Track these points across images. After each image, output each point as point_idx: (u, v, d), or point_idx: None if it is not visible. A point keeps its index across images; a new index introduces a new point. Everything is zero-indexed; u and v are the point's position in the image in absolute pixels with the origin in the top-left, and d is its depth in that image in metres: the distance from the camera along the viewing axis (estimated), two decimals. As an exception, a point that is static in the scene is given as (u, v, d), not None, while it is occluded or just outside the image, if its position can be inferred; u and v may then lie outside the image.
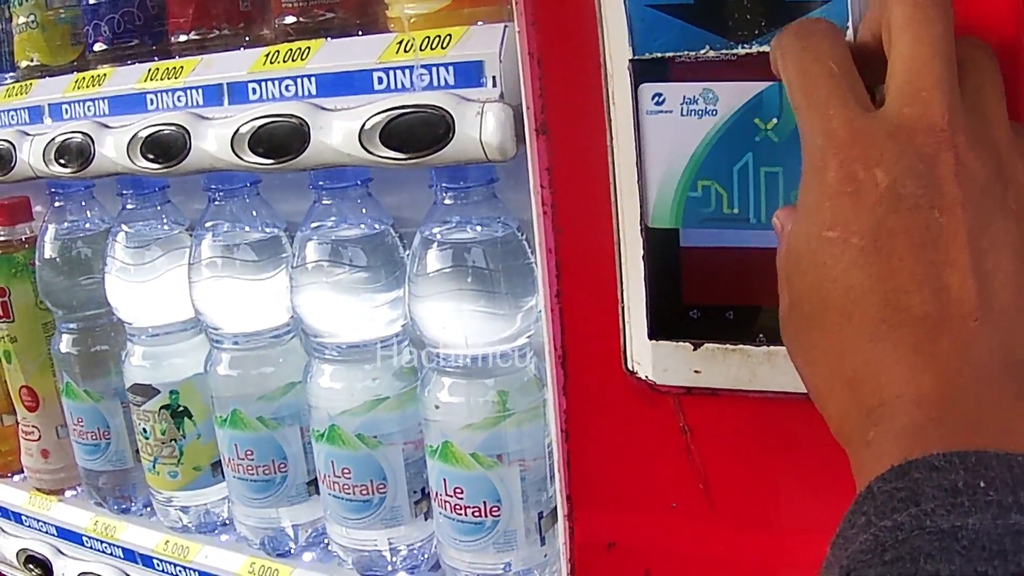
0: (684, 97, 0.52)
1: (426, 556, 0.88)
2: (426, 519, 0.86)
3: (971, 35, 0.42)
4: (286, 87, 0.73)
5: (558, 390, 0.62)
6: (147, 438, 1.00)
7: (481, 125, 0.63)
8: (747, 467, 0.59)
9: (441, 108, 0.65)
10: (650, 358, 0.57)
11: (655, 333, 0.57)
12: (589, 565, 0.65)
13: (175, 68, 0.81)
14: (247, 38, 0.83)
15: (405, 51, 0.68)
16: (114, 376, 1.04)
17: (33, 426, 1.14)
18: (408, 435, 0.84)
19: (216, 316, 0.90)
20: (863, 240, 0.38)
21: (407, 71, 0.67)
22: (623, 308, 0.58)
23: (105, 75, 0.87)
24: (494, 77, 0.64)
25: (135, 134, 0.82)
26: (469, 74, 0.65)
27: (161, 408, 0.98)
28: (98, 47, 0.89)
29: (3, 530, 1.20)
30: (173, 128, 0.79)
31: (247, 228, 0.89)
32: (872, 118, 0.39)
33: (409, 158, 0.66)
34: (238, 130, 0.75)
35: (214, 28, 0.83)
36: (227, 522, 1.01)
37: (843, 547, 0.35)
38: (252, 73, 0.75)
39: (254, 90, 0.75)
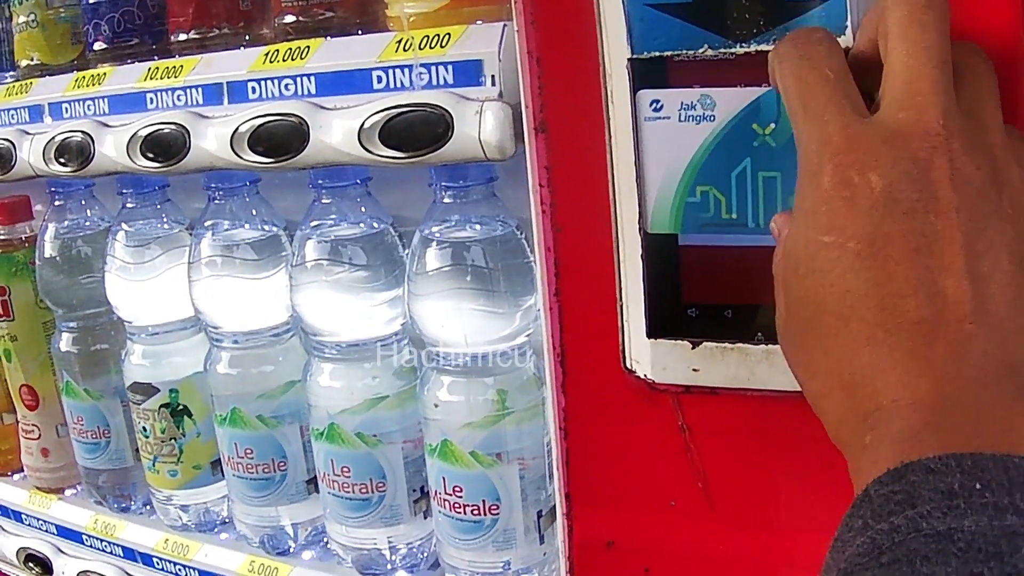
0: (682, 103, 0.52)
1: (425, 555, 0.89)
2: (425, 518, 0.86)
3: (968, 41, 0.42)
4: (286, 86, 0.73)
5: (557, 389, 0.62)
6: (147, 437, 1.00)
7: (480, 124, 0.63)
8: (746, 466, 0.59)
9: (440, 107, 0.65)
10: (649, 357, 0.57)
11: (654, 332, 0.57)
12: (588, 564, 0.65)
13: (175, 67, 0.81)
14: (247, 37, 0.83)
15: (404, 50, 0.68)
16: (114, 375, 1.04)
17: (33, 425, 1.14)
18: (407, 434, 0.84)
19: (216, 315, 0.90)
20: (859, 244, 0.38)
21: (406, 70, 0.67)
22: (622, 307, 0.58)
23: (105, 74, 0.87)
24: (493, 76, 0.64)
25: (135, 133, 0.82)
26: (468, 73, 0.65)
27: (161, 407, 0.98)
28: (98, 46, 0.90)
29: (3, 529, 1.20)
30: (173, 127, 0.79)
31: (247, 227, 0.89)
32: (867, 123, 0.39)
33: (408, 157, 0.66)
34: (238, 129, 0.75)
35: (214, 27, 0.84)
36: (227, 520, 1.01)
37: (841, 550, 0.35)
38: (252, 72, 0.75)
39: (254, 89, 0.75)
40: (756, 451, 0.58)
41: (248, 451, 0.91)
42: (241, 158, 0.75)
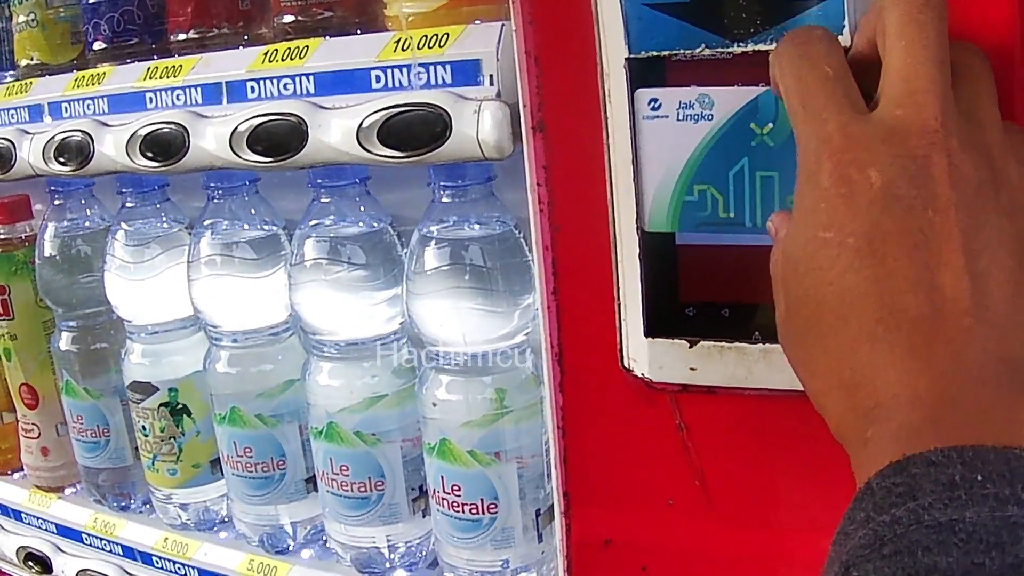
0: (680, 102, 0.52)
1: (424, 553, 0.89)
2: (424, 516, 0.86)
3: (966, 40, 0.43)
4: (284, 85, 0.74)
5: (555, 387, 0.62)
6: (146, 436, 1.00)
7: (478, 123, 0.63)
8: (743, 464, 0.59)
9: (438, 106, 0.65)
10: (646, 355, 0.57)
11: (651, 331, 0.57)
12: (586, 562, 0.65)
13: (174, 67, 0.81)
14: (246, 37, 0.83)
15: (403, 50, 0.68)
16: (113, 374, 1.04)
17: (33, 424, 1.14)
18: (406, 432, 0.84)
19: (215, 314, 0.91)
20: (858, 241, 0.38)
21: (405, 70, 0.68)
22: (619, 306, 0.58)
23: (104, 74, 0.87)
24: (491, 75, 0.64)
25: (134, 132, 0.82)
26: (466, 72, 0.65)
27: (160, 406, 0.98)
28: (98, 46, 0.90)
29: (3, 527, 1.20)
30: (172, 126, 0.79)
31: (246, 226, 0.89)
32: (866, 121, 0.40)
33: (407, 156, 0.67)
34: (237, 128, 0.75)
35: (213, 27, 0.84)
36: (226, 519, 1.01)
37: (843, 543, 0.35)
38: (251, 72, 0.76)
39: (253, 88, 0.75)
40: (753, 450, 0.59)
41: (247, 450, 0.91)
42: (240, 157, 0.75)
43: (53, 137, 0.89)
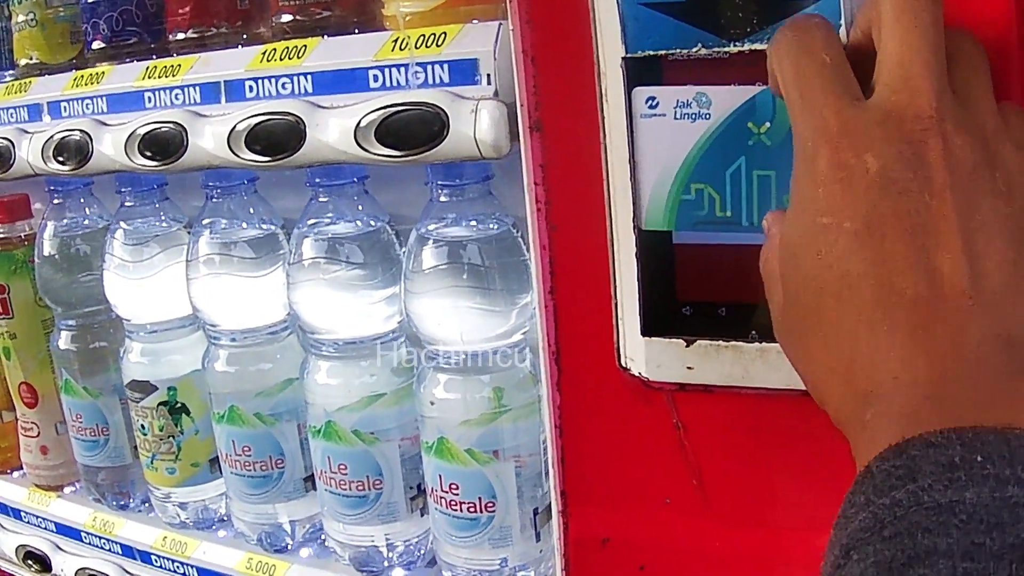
0: (677, 101, 0.52)
1: (422, 552, 0.89)
2: (422, 515, 0.87)
3: (960, 27, 0.43)
4: (283, 85, 0.74)
5: (552, 386, 0.62)
6: (145, 434, 1.00)
7: (476, 122, 0.63)
8: (740, 463, 0.59)
9: (436, 106, 0.65)
10: (643, 354, 0.58)
11: (648, 330, 0.57)
12: (583, 561, 0.65)
13: (173, 66, 0.81)
14: (244, 36, 0.83)
15: (400, 49, 0.68)
16: (113, 373, 1.04)
17: (32, 422, 1.14)
18: (404, 431, 0.84)
19: (214, 313, 0.91)
20: (856, 225, 0.39)
21: (402, 69, 0.68)
22: (616, 304, 0.58)
23: (103, 73, 0.88)
24: (489, 75, 0.64)
25: (133, 132, 0.82)
26: (464, 72, 0.65)
27: (159, 404, 0.98)
28: (97, 45, 0.90)
29: (2, 526, 1.20)
30: (171, 126, 0.79)
31: (244, 225, 0.90)
32: (862, 107, 0.40)
33: (404, 155, 0.67)
34: (235, 127, 0.75)
35: (212, 26, 0.84)
36: (225, 518, 1.02)
37: (843, 527, 0.35)
38: (249, 71, 0.76)
39: (251, 88, 0.76)
40: (751, 448, 0.59)
41: (246, 449, 0.91)
42: (238, 157, 0.75)
43: (52, 136, 0.89)
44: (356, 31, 0.74)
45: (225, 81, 0.77)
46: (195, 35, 0.84)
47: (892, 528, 0.33)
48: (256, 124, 0.74)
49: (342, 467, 0.84)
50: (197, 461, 1.00)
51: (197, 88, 0.79)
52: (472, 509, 0.78)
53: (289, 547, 0.95)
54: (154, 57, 0.86)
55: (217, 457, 0.97)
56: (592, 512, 0.64)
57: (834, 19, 0.47)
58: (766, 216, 0.47)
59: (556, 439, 0.63)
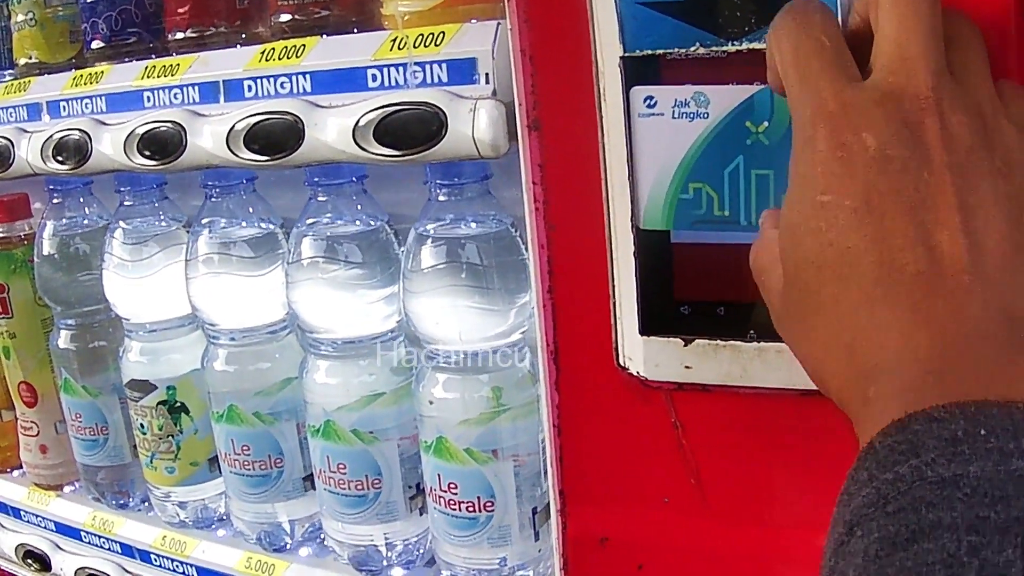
0: (676, 100, 0.52)
1: (421, 551, 0.89)
2: (421, 514, 0.87)
3: (957, 9, 0.43)
4: (281, 84, 0.74)
5: (550, 386, 0.62)
6: (145, 434, 1.00)
7: (474, 122, 0.63)
8: (738, 462, 0.59)
9: (434, 105, 0.65)
10: (641, 354, 0.58)
11: (646, 329, 0.57)
12: (582, 560, 0.65)
13: (172, 66, 0.81)
14: (243, 35, 0.83)
15: (399, 48, 0.68)
16: (112, 372, 1.04)
17: (32, 422, 1.14)
18: (403, 430, 0.84)
19: (213, 312, 0.91)
20: (856, 202, 0.39)
21: (401, 68, 0.68)
22: (615, 304, 0.58)
23: (103, 72, 0.88)
24: (487, 74, 0.64)
25: (132, 131, 0.82)
26: (462, 71, 0.65)
27: (158, 404, 0.98)
28: (96, 44, 0.90)
29: (2, 525, 1.20)
30: (170, 125, 0.79)
31: (243, 224, 0.90)
32: (860, 88, 0.40)
33: (403, 155, 0.67)
34: (234, 127, 0.75)
35: (211, 25, 0.84)
36: (224, 517, 1.02)
37: (847, 503, 0.35)
38: (248, 70, 0.76)
39: (250, 87, 0.76)
40: (749, 447, 0.59)
41: (245, 448, 0.91)
42: (237, 156, 0.75)
43: (51, 136, 0.89)
44: (355, 30, 0.74)
45: (224, 80, 0.78)
46: (194, 34, 0.84)
47: (896, 503, 0.33)
48: (255, 123, 0.74)
49: (341, 466, 0.84)
50: (196, 460, 1.00)
51: (196, 87, 0.79)
52: (471, 508, 0.78)
53: (288, 546, 0.95)
54: (153, 56, 0.86)
55: (216, 456, 0.97)
56: (591, 511, 0.64)
57: (832, 4, 0.47)
58: (763, 214, 0.47)
59: (555, 438, 0.63)
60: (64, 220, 1.05)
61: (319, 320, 0.84)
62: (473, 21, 0.66)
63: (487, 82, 0.64)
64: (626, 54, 0.53)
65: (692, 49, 0.51)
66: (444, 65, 0.66)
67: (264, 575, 0.93)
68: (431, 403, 0.78)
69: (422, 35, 0.67)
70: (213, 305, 0.90)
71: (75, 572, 1.10)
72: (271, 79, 0.74)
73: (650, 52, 0.52)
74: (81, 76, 0.89)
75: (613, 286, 0.58)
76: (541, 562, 0.81)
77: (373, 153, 0.68)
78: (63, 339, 1.07)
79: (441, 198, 0.75)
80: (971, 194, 0.38)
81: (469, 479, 0.78)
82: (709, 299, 0.56)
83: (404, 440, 0.84)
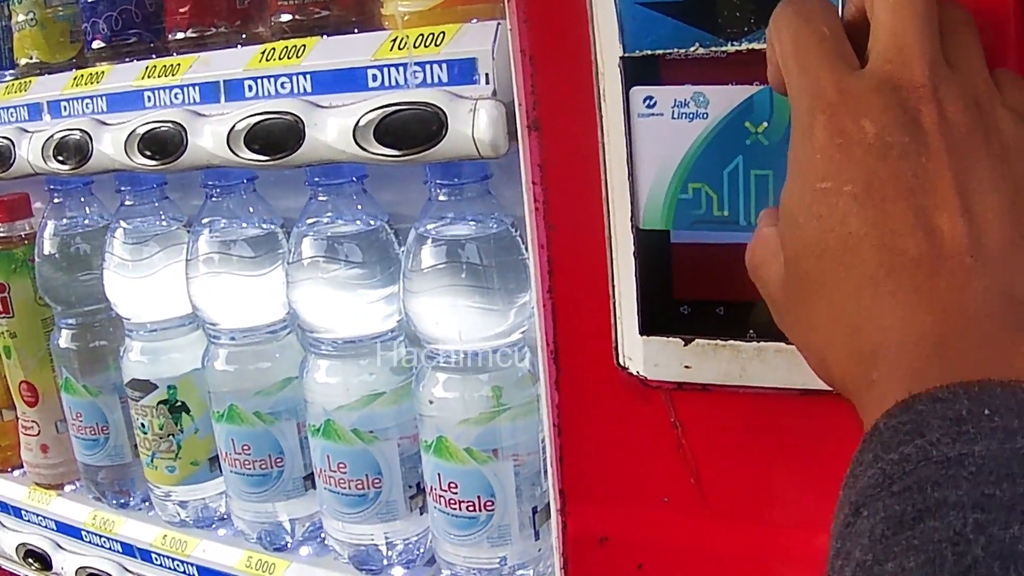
0: (675, 100, 0.52)
1: (421, 551, 0.89)
2: (421, 514, 0.87)
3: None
4: (282, 84, 0.74)
5: (550, 385, 0.62)
6: (145, 433, 1.00)
7: (474, 122, 0.64)
8: (738, 461, 0.59)
9: (434, 105, 0.65)
10: (641, 353, 0.58)
11: (646, 329, 0.57)
12: (582, 559, 0.65)
13: (172, 65, 0.81)
14: (244, 35, 0.84)
15: (399, 48, 0.68)
16: (113, 371, 1.05)
17: (32, 421, 1.14)
18: (403, 430, 0.84)
19: (213, 312, 0.91)
20: (856, 188, 0.39)
21: (401, 68, 0.68)
22: (614, 304, 0.58)
23: (103, 72, 0.88)
24: (487, 74, 0.64)
25: (133, 131, 0.82)
26: (462, 71, 0.65)
27: (159, 403, 0.98)
28: (96, 44, 0.90)
29: (3, 524, 1.20)
30: (170, 125, 0.79)
31: (244, 224, 0.90)
32: (858, 76, 0.40)
33: (403, 155, 0.67)
34: (234, 127, 0.75)
35: (211, 25, 0.84)
36: (224, 516, 1.02)
37: (852, 485, 0.36)
38: (248, 70, 0.76)
39: (250, 87, 0.76)
40: (748, 447, 0.59)
41: (245, 447, 0.91)
42: (237, 156, 0.75)
43: (52, 136, 0.89)
44: (355, 30, 0.74)
45: (224, 80, 0.78)
46: (194, 34, 0.84)
47: (901, 483, 0.33)
48: (255, 123, 0.74)
49: (341, 466, 0.85)
50: (197, 459, 1.00)
51: (196, 87, 0.80)
52: (471, 508, 0.78)
53: (289, 545, 0.95)
54: (154, 56, 0.86)
55: (217, 456, 0.97)
56: (590, 511, 0.64)
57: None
58: (761, 213, 0.47)
59: (555, 438, 0.63)
60: (65, 220, 1.05)
61: (319, 320, 0.84)
62: (473, 21, 0.66)
63: (487, 82, 0.64)
64: (626, 54, 0.53)
65: (692, 49, 0.51)
66: (444, 65, 0.66)
67: (265, 574, 0.93)
68: (431, 403, 0.78)
69: (422, 35, 0.67)
70: (214, 305, 0.90)
71: (76, 571, 1.10)
72: (271, 79, 0.74)
73: (650, 52, 0.52)
74: (82, 76, 0.89)
75: (613, 286, 0.58)
76: (541, 561, 0.82)
77: (373, 153, 0.68)
78: (64, 339, 1.07)
79: (441, 198, 0.75)
80: (969, 178, 0.38)
81: (469, 478, 0.78)
82: (709, 299, 0.56)
83: (404, 439, 0.84)
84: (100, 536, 1.08)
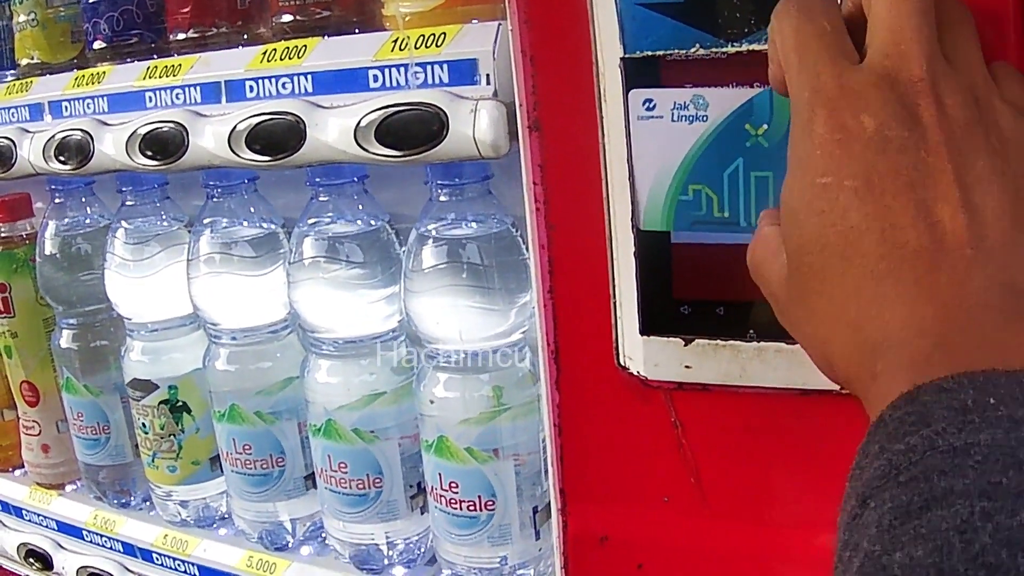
0: (675, 103, 0.53)
1: (422, 550, 0.89)
2: (422, 513, 0.87)
3: None
4: (283, 85, 0.74)
5: (551, 385, 0.62)
6: (146, 433, 1.00)
7: (475, 122, 0.64)
8: (738, 461, 0.59)
9: (435, 106, 0.65)
10: (641, 353, 0.58)
11: (646, 329, 0.57)
12: (582, 559, 0.65)
13: (173, 66, 0.82)
14: (245, 36, 0.84)
15: (400, 49, 0.68)
16: (114, 371, 1.05)
17: (34, 421, 1.15)
18: (404, 430, 0.84)
19: (214, 311, 0.91)
20: (856, 182, 0.39)
21: (402, 69, 0.68)
22: (615, 304, 0.58)
23: (104, 73, 0.88)
24: (488, 75, 0.64)
25: (134, 131, 0.82)
26: (463, 72, 0.65)
27: (160, 403, 0.99)
28: (98, 45, 0.90)
29: (4, 524, 1.21)
30: (171, 125, 0.79)
31: (245, 224, 0.90)
32: (857, 71, 0.41)
33: (404, 155, 0.67)
34: (235, 127, 0.75)
35: (212, 26, 0.84)
36: (225, 516, 1.02)
37: (858, 477, 0.36)
38: (249, 71, 0.76)
39: (251, 88, 0.76)
40: (748, 447, 0.59)
41: (246, 447, 0.91)
42: (239, 156, 0.75)
43: (53, 136, 0.89)
44: (356, 31, 0.74)
45: (225, 81, 0.78)
46: (196, 35, 0.84)
47: (907, 473, 0.33)
48: (256, 124, 0.74)
49: (342, 465, 0.85)
50: (198, 459, 1.00)
51: (198, 88, 0.80)
52: (472, 507, 0.79)
53: (290, 545, 0.95)
54: (155, 57, 0.86)
55: (218, 455, 0.97)
56: (591, 510, 0.64)
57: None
58: (762, 214, 0.47)
59: (555, 438, 0.63)
60: (66, 220, 1.05)
61: (320, 320, 0.84)
62: (474, 22, 0.67)
63: (488, 83, 0.65)
64: (626, 55, 0.53)
65: (692, 50, 0.51)
66: (445, 66, 0.66)
67: (265, 574, 0.93)
68: (432, 402, 0.78)
69: (423, 36, 0.67)
70: (215, 305, 0.90)
71: (77, 571, 1.10)
72: (273, 79, 0.74)
73: (650, 53, 0.52)
74: (83, 76, 0.90)
75: (613, 286, 0.58)
76: (541, 561, 0.82)
77: (374, 153, 0.68)
78: (65, 338, 1.07)
79: (442, 198, 0.76)
80: (969, 171, 0.39)
81: (470, 478, 0.78)
82: (709, 299, 0.56)
83: (405, 439, 0.85)
84: (101, 536, 1.08)
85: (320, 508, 0.91)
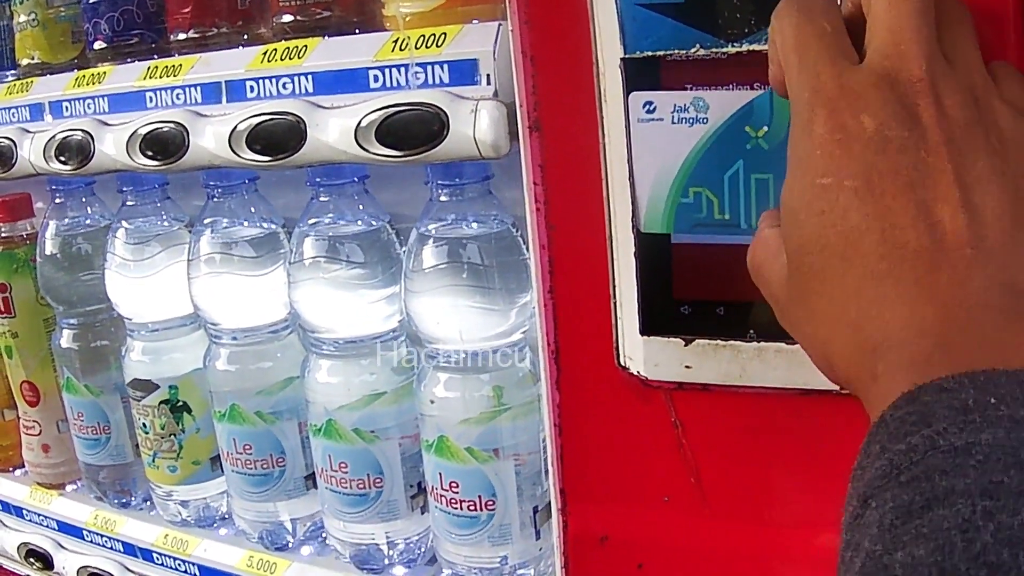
0: (675, 105, 0.53)
1: (423, 550, 0.89)
2: (422, 513, 0.87)
3: None
4: (283, 85, 0.74)
5: (551, 385, 0.62)
6: (147, 433, 1.01)
7: (475, 123, 0.64)
8: (738, 461, 0.59)
9: (436, 106, 0.65)
10: (642, 353, 0.58)
11: (647, 329, 0.57)
12: (582, 559, 0.66)
13: (174, 66, 0.82)
14: (245, 36, 0.84)
15: (400, 49, 0.68)
16: (114, 371, 1.05)
17: (34, 421, 1.15)
18: (404, 430, 0.84)
19: (215, 311, 0.91)
20: (856, 182, 0.39)
21: (402, 69, 0.68)
22: (615, 304, 0.58)
23: (105, 73, 0.88)
24: (488, 75, 0.65)
25: (134, 131, 0.82)
26: (463, 72, 0.65)
27: (160, 403, 0.99)
28: (98, 45, 0.90)
29: (4, 524, 1.21)
30: (172, 125, 0.79)
31: (245, 224, 0.90)
32: (856, 71, 0.41)
33: (404, 155, 0.67)
34: (236, 127, 0.75)
35: (213, 26, 0.84)
36: (226, 516, 1.02)
37: (860, 477, 0.36)
38: (250, 71, 0.76)
39: (252, 88, 0.76)
40: (748, 447, 0.59)
41: (247, 447, 0.92)
42: (239, 156, 0.75)
43: (54, 136, 0.89)
44: (356, 31, 0.74)
45: (226, 81, 0.78)
46: (196, 35, 0.84)
47: (909, 473, 0.33)
48: (257, 124, 0.74)
49: (343, 465, 0.85)
50: (198, 459, 1.01)
51: (198, 88, 0.80)
52: (472, 507, 0.79)
53: (290, 545, 0.95)
54: (155, 57, 0.86)
55: (218, 455, 0.97)
56: (591, 510, 0.64)
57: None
58: (762, 215, 0.47)
59: (555, 437, 0.64)
60: (66, 220, 1.05)
61: (321, 320, 0.84)
62: (474, 22, 0.67)
63: (488, 83, 0.65)
64: (627, 55, 0.53)
65: (692, 51, 0.51)
66: (445, 66, 0.66)
67: (266, 574, 0.93)
68: (432, 402, 0.78)
69: (423, 36, 0.67)
70: (215, 305, 0.90)
71: (77, 571, 1.10)
72: (273, 80, 0.74)
73: (651, 53, 0.52)
74: (83, 76, 0.90)
75: (614, 286, 0.58)
76: (542, 560, 0.82)
77: (375, 154, 0.68)
78: (65, 338, 1.07)
79: (442, 198, 0.76)
80: (969, 171, 0.39)
81: (470, 478, 0.78)
82: (709, 299, 0.56)
83: (405, 439, 0.85)
84: (101, 536, 1.08)
85: (320, 508, 0.91)
